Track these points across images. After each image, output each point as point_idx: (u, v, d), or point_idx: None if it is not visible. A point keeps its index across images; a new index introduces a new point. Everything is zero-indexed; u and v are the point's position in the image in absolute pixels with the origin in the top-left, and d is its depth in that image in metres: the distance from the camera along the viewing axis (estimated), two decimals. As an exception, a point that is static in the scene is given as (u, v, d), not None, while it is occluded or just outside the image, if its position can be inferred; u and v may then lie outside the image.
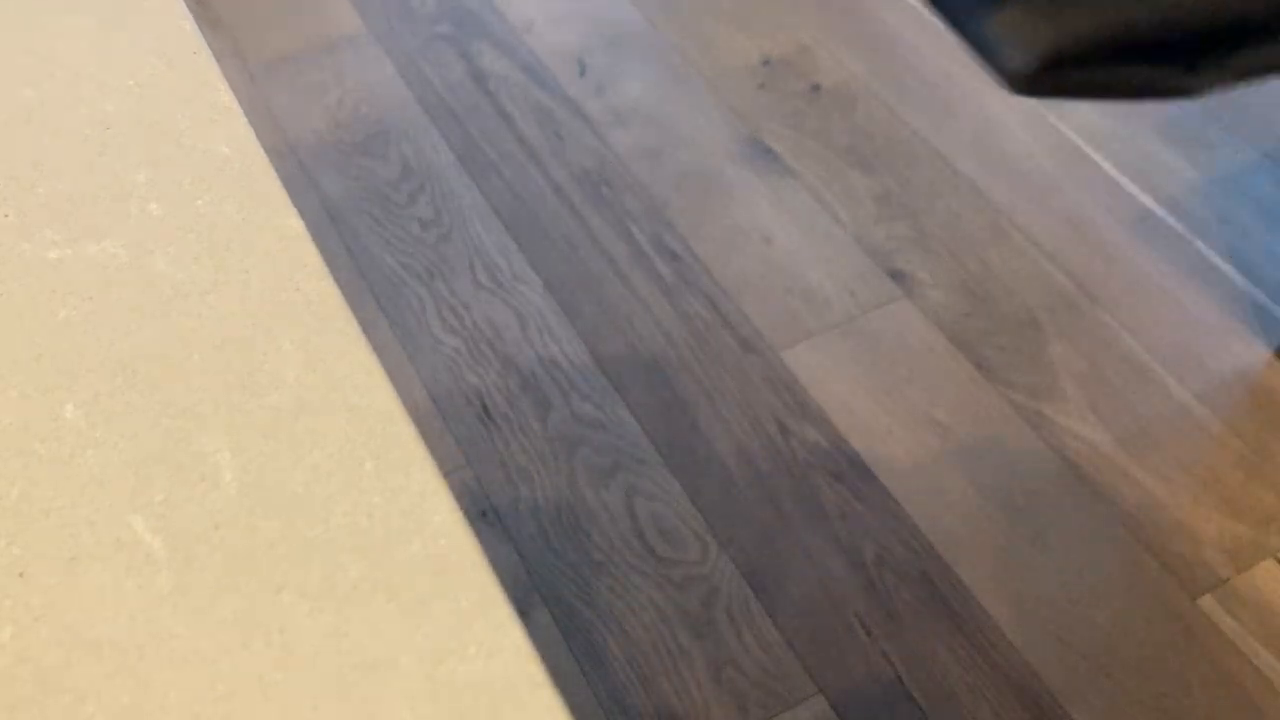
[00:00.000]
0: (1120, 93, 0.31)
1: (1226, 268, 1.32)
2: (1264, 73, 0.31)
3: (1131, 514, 1.13)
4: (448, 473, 1.16)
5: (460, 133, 1.47)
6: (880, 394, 1.21)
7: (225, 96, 0.44)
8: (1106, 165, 1.43)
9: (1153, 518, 1.13)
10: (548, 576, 1.08)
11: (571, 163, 1.43)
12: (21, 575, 0.33)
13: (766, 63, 1.55)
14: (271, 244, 0.42)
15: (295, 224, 0.44)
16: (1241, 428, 1.19)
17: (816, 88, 1.52)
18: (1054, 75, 0.30)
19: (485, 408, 1.21)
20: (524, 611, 1.07)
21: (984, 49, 0.31)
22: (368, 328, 1.28)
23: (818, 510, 1.13)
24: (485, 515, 1.13)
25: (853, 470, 1.15)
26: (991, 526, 1.12)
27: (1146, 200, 1.39)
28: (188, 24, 0.46)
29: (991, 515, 1.13)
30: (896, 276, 1.32)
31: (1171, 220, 1.37)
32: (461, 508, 0.35)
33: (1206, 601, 1.07)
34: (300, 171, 1.43)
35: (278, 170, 1.45)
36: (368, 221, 1.38)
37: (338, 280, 1.34)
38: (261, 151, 0.45)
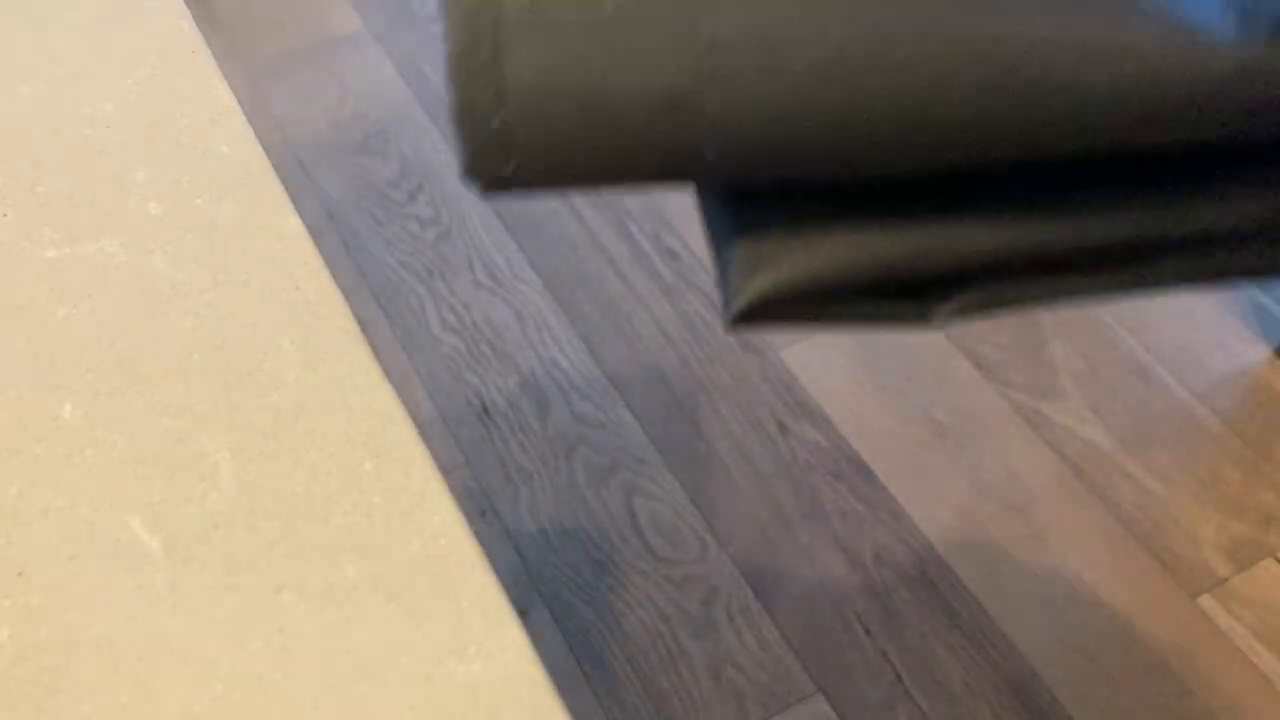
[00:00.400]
0: (853, 323, 0.30)
1: (1226, 267, 1.32)
2: (994, 308, 0.30)
3: (1131, 513, 1.13)
4: (447, 472, 1.16)
5: (460, 132, 1.47)
6: (879, 393, 1.21)
7: (224, 96, 0.44)
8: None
9: (1152, 517, 1.13)
10: (547, 576, 1.08)
11: (571, 162, 1.43)
12: (20, 575, 0.33)
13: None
14: (271, 243, 0.42)
15: (294, 223, 0.44)
16: (1241, 427, 1.19)
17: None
18: (771, 313, 0.29)
19: (485, 407, 1.21)
20: (523, 611, 1.07)
21: (721, 284, 0.30)
22: (367, 327, 1.28)
23: (817, 509, 1.13)
24: (485, 515, 1.13)
25: (852, 469, 1.15)
26: (991, 526, 1.12)
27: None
28: (186, 23, 0.46)
29: (991, 514, 1.13)
30: (896, 276, 1.32)
31: (1171, 220, 1.37)
32: (461, 507, 0.35)
33: (1206, 601, 1.07)
34: (300, 171, 1.43)
35: (277, 170, 1.45)
36: (367, 221, 1.38)
37: (337, 280, 1.33)
38: (261, 151, 0.45)
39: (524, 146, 0.27)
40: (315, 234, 1.37)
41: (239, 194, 0.43)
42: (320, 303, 0.42)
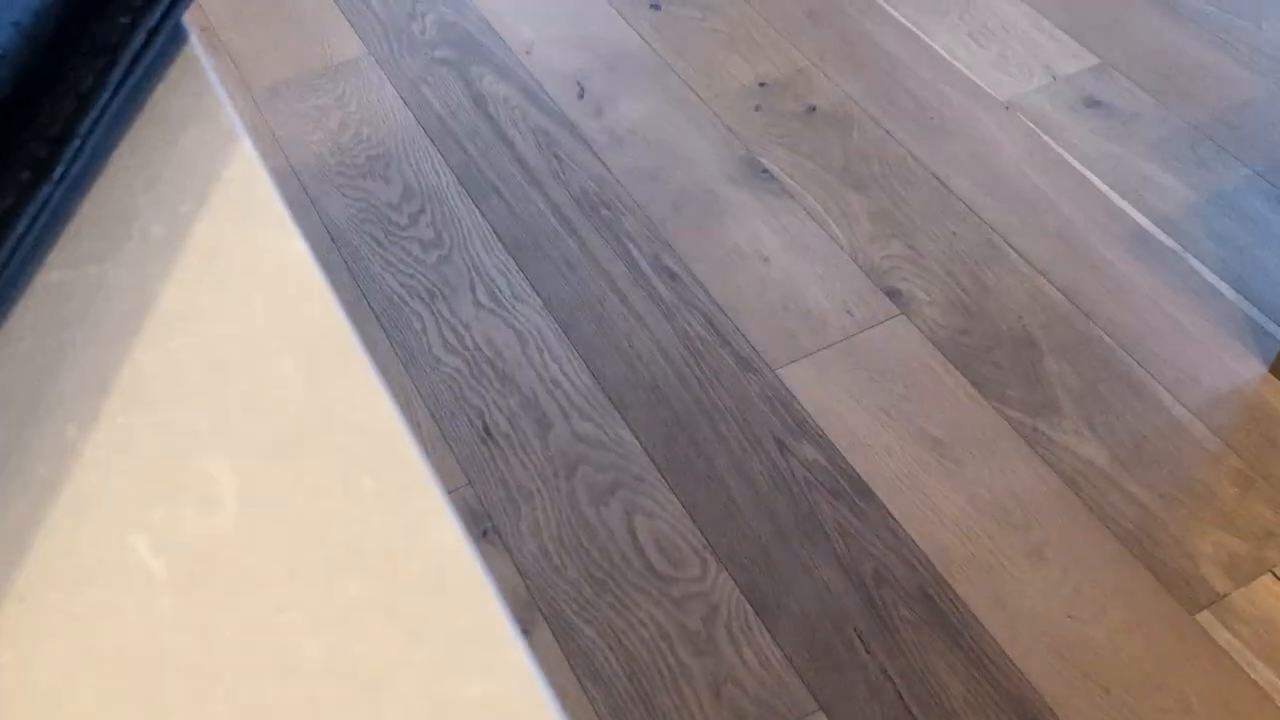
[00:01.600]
0: None
1: (1220, 284, 1.33)
2: None
3: (1129, 530, 1.13)
4: (449, 492, 1.16)
5: (461, 155, 1.48)
6: (878, 412, 1.22)
7: (229, 119, 0.45)
8: (1100, 184, 1.44)
9: (1150, 534, 1.13)
10: (549, 594, 1.09)
11: (571, 184, 1.44)
12: (22, 599, 0.33)
13: (763, 84, 1.56)
14: (273, 266, 0.42)
15: (298, 247, 0.45)
16: (1237, 443, 1.19)
17: (812, 109, 1.53)
18: None
19: (486, 427, 1.21)
20: (525, 629, 1.07)
21: None
22: (369, 348, 1.29)
23: (817, 528, 1.13)
24: (486, 534, 1.13)
25: (851, 488, 1.16)
26: (989, 543, 1.12)
27: (1140, 218, 1.40)
28: (191, 48, 0.46)
29: (989, 532, 1.13)
30: (893, 295, 1.32)
31: (1165, 238, 1.38)
32: (463, 526, 0.35)
33: (1205, 617, 1.07)
34: (302, 194, 1.44)
35: (280, 193, 1.45)
36: (369, 243, 1.39)
37: (339, 302, 1.33)
38: (265, 175, 0.46)
39: None
40: (318, 257, 1.37)
41: (242, 217, 0.44)
42: (322, 324, 0.42)
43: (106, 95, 0.38)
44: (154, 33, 0.40)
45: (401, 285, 1.34)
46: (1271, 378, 1.24)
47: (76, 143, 0.37)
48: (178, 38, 0.46)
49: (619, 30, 1.64)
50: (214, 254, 0.41)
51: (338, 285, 1.35)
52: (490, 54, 1.61)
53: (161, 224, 0.41)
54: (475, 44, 1.63)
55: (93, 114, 0.38)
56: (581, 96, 1.55)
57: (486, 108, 1.54)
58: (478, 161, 1.47)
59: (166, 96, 0.45)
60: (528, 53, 1.61)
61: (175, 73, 0.45)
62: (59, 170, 0.37)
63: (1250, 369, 1.25)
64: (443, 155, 1.48)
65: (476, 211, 1.42)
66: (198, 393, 0.37)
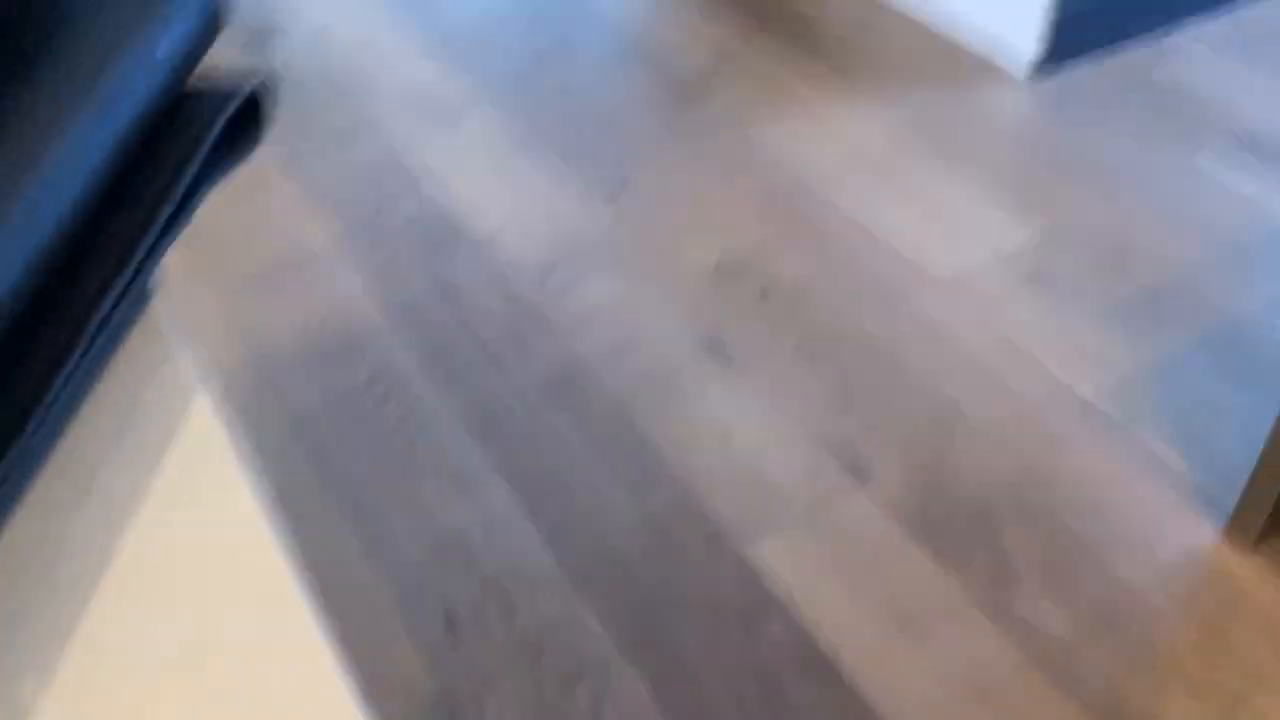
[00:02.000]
0: None
1: (1168, 453, 1.37)
2: None
3: (1096, 701, 1.13)
4: (413, 684, 1.15)
5: (426, 341, 1.52)
6: (841, 586, 1.23)
7: (188, 377, 0.48)
8: (1044, 358, 1.49)
9: (1117, 705, 1.13)
10: (515, 791, 1.07)
11: (536, 367, 1.48)
12: None
13: (719, 266, 1.63)
14: (229, 522, 0.44)
15: (251, 503, 0.47)
16: (1197, 610, 1.21)
17: (767, 289, 1.59)
18: None
19: (450, 615, 1.21)
20: (491, 830, 1.05)
21: None
22: (332, 538, 1.29)
23: (785, 707, 1.12)
24: (451, 728, 1.11)
25: (817, 664, 1.16)
26: (956, 717, 1.12)
27: (1086, 390, 1.45)
28: (153, 308, 0.49)
29: (955, 706, 1.13)
30: (852, 470, 1.35)
31: (1112, 409, 1.42)
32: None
33: (1177, 793, 1.06)
34: (268, 384, 1.47)
35: (245, 384, 1.48)
36: (335, 431, 1.41)
37: (302, 494, 1.36)
38: (223, 431, 0.48)
39: None
40: (280, 448, 1.39)
41: (200, 475, 0.46)
42: (273, 581, 0.44)
43: (75, 357, 0.41)
44: (121, 297, 0.43)
45: (367, 472, 1.36)
46: (1224, 544, 1.26)
47: (45, 406, 0.39)
48: (142, 298, 0.49)
49: (582, 217, 1.71)
50: (171, 510, 0.43)
51: (300, 478, 1.36)
52: (455, 243, 1.67)
53: (122, 481, 0.43)
54: (441, 234, 1.69)
55: (63, 374, 0.41)
56: (545, 282, 1.60)
57: (452, 295, 1.59)
58: (443, 347, 1.51)
59: (130, 354, 0.47)
60: (493, 241, 1.67)
61: (138, 330, 0.48)
62: (29, 431, 0.39)
63: (1204, 535, 1.28)
64: (409, 342, 1.52)
65: (442, 397, 1.45)
66: (151, 649, 0.38)
